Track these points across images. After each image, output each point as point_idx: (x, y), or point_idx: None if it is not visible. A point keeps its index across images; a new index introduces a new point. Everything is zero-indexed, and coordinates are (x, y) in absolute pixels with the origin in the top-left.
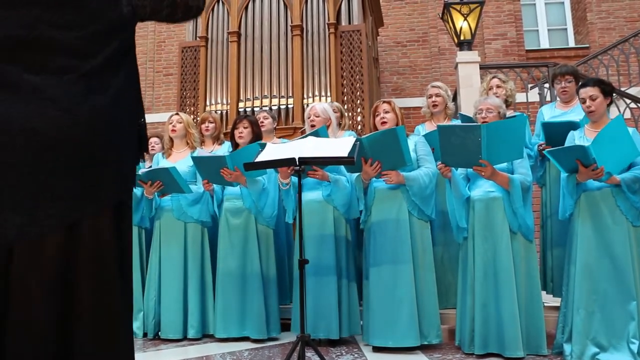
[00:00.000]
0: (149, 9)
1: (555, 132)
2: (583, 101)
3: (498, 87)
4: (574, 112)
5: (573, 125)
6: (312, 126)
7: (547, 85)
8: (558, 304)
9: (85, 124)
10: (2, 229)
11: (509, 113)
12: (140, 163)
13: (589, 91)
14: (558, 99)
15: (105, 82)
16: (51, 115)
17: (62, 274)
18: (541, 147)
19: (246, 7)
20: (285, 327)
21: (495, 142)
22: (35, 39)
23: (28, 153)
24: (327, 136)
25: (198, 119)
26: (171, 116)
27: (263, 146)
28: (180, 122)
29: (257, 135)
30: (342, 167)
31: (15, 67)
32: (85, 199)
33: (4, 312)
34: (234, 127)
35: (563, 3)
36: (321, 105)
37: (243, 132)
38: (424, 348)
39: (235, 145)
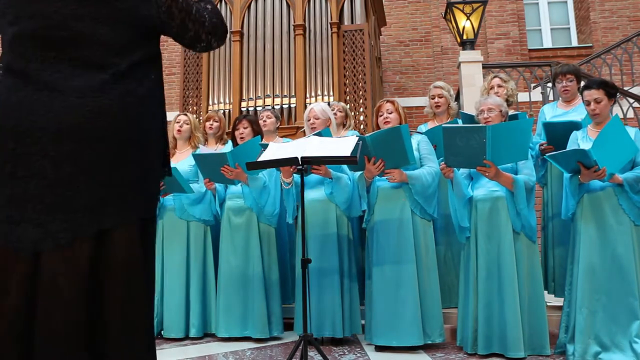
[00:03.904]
0: (175, 28)
1: (557, 132)
2: (588, 104)
3: (499, 86)
4: (576, 112)
5: (575, 125)
6: (313, 128)
7: (550, 84)
8: (560, 304)
9: (115, 117)
10: (19, 243)
11: (510, 112)
12: None
13: (593, 94)
14: (560, 98)
15: (137, 81)
16: (78, 109)
17: (90, 281)
18: (542, 147)
19: (249, 7)
20: (288, 326)
21: (500, 143)
22: (69, 33)
23: (51, 145)
24: (330, 136)
25: (201, 118)
26: (178, 116)
27: (264, 147)
28: (188, 124)
29: (257, 134)
30: (345, 166)
31: (48, 61)
32: (103, 213)
33: (32, 316)
34: (234, 128)
35: (566, 2)
36: (319, 106)
37: (244, 133)
38: (426, 347)
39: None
